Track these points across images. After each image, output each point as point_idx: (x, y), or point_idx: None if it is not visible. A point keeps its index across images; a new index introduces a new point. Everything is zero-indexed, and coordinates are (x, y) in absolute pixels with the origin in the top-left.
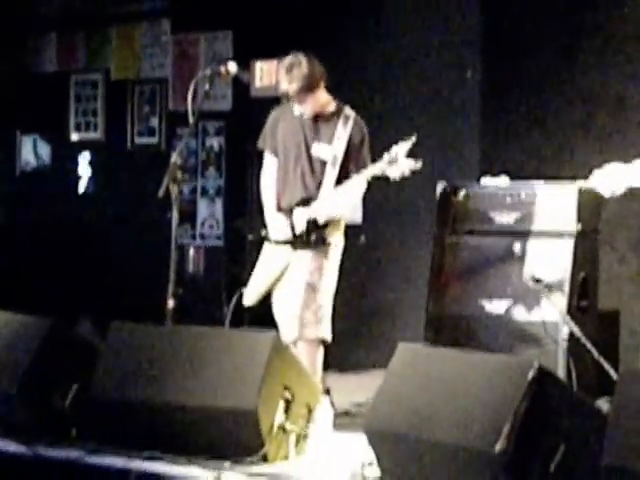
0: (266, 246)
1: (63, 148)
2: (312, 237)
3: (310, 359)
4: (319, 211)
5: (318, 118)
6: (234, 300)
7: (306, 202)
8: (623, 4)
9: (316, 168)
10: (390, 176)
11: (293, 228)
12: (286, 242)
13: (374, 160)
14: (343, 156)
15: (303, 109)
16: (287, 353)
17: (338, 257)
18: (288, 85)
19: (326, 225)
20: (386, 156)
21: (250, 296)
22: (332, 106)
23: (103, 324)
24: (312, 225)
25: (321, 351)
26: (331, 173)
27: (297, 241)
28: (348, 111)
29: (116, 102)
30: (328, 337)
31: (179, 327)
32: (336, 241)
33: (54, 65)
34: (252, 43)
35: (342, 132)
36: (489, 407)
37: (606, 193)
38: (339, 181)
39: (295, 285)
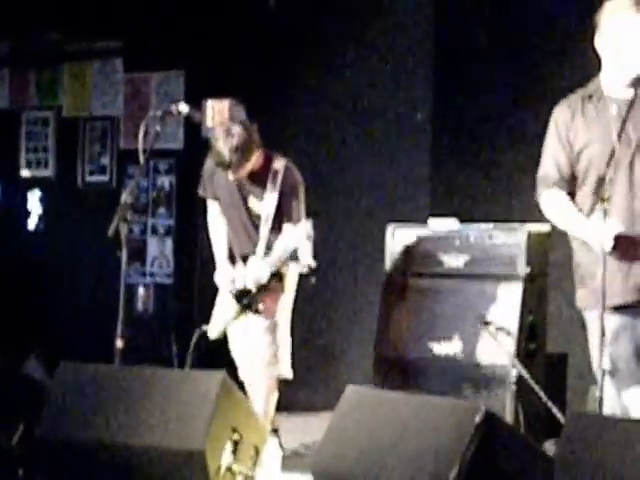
0: None
1: (13, 185)
2: (244, 300)
3: (266, 398)
4: (246, 278)
5: (250, 175)
6: (194, 340)
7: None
8: (572, 51)
9: (257, 222)
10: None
11: (234, 283)
12: (230, 293)
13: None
14: (275, 210)
15: (237, 175)
16: (235, 394)
17: (293, 294)
18: (230, 154)
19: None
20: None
21: (215, 329)
22: (261, 159)
23: (51, 363)
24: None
25: (276, 391)
26: (264, 229)
27: (236, 296)
28: (277, 163)
29: (67, 140)
30: (289, 375)
31: (127, 367)
32: (293, 275)
33: (5, 102)
34: (204, 83)
35: (272, 186)
36: (437, 450)
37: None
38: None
39: (254, 325)
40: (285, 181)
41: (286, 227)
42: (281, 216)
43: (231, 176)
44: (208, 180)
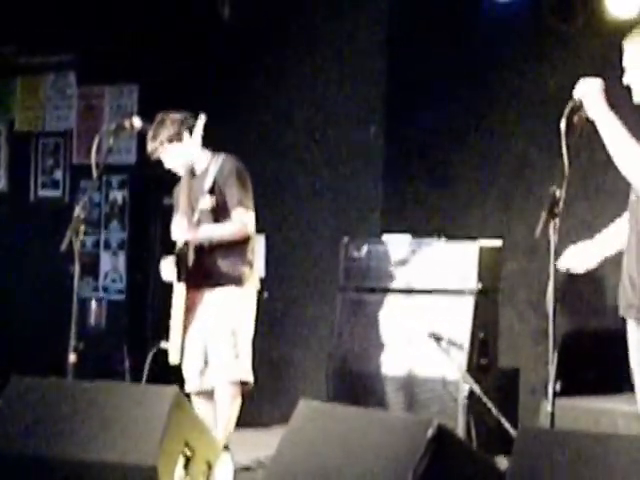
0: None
1: None
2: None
3: (229, 405)
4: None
5: (197, 175)
6: (150, 356)
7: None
8: (526, 67)
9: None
10: None
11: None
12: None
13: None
14: (216, 193)
15: (173, 163)
16: (187, 409)
17: (254, 300)
18: (152, 142)
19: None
20: None
21: (174, 349)
22: (207, 159)
23: (2, 377)
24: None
25: (239, 398)
26: (199, 210)
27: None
28: (219, 155)
29: (20, 154)
30: (250, 379)
31: (79, 382)
32: (251, 283)
33: None
34: (158, 97)
35: (211, 173)
36: (389, 465)
37: (580, 269)
38: (219, 218)
39: (215, 330)
40: (224, 164)
41: (235, 212)
42: (222, 197)
43: (168, 165)
44: (175, 206)
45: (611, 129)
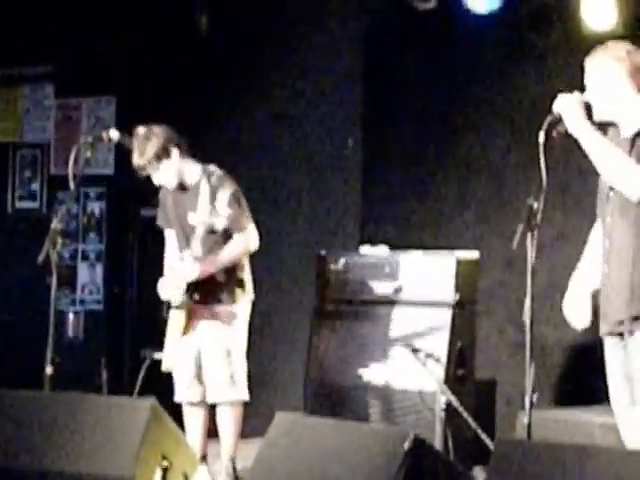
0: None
1: None
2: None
3: (234, 422)
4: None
5: (186, 189)
6: (143, 368)
7: None
8: (503, 80)
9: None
10: None
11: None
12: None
13: None
14: (210, 212)
15: (162, 180)
16: (165, 420)
17: (248, 315)
18: (139, 158)
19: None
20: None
21: (168, 358)
22: (197, 173)
23: None
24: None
25: (238, 414)
26: (195, 241)
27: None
28: (209, 169)
29: None
30: (246, 397)
31: (56, 394)
32: (244, 301)
33: None
34: (135, 109)
35: (203, 191)
36: (366, 477)
37: (578, 325)
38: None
39: (210, 351)
40: (214, 186)
41: (235, 234)
42: (221, 223)
43: (157, 181)
44: (162, 209)
45: (593, 142)
